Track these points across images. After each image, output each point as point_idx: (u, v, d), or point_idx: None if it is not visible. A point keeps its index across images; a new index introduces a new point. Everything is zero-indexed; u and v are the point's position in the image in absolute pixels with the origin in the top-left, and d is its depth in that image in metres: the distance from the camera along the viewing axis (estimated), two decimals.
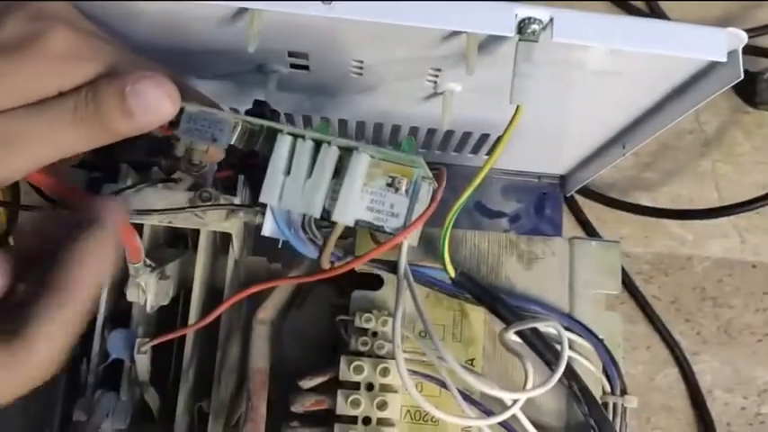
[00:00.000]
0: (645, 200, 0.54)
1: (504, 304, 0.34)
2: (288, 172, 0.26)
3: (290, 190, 0.25)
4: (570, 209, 0.53)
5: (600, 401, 0.35)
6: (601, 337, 0.36)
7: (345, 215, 0.25)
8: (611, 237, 0.53)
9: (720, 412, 0.51)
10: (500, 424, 0.34)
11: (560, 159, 0.49)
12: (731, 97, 0.56)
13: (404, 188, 0.25)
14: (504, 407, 0.33)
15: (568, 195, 0.52)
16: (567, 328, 0.36)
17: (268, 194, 0.26)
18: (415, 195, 0.25)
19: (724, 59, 0.29)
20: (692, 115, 0.56)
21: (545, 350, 0.34)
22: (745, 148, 0.56)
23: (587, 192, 0.53)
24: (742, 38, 0.29)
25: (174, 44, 0.32)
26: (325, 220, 0.26)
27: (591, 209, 0.53)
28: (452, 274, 0.33)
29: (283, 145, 0.26)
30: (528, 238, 0.37)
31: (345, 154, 0.25)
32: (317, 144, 0.26)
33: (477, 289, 0.34)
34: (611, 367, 0.35)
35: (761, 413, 0.51)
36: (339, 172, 0.25)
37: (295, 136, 0.26)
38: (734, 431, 0.51)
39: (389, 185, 0.25)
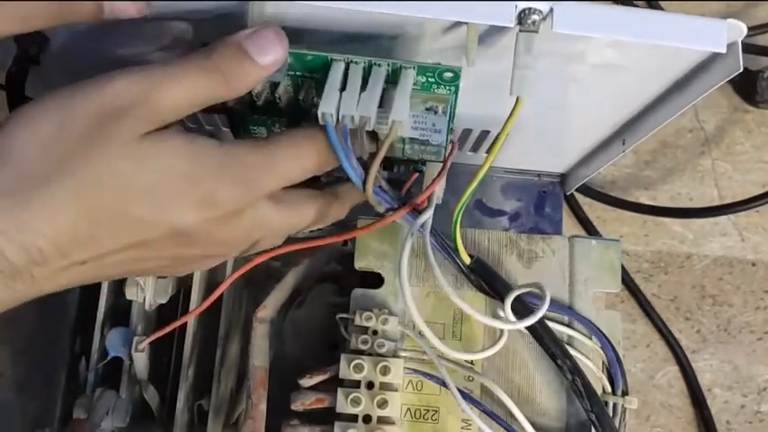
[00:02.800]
0: (645, 198, 0.54)
1: (520, 300, 0.34)
2: (343, 88, 0.28)
3: (347, 101, 0.27)
4: (570, 207, 0.53)
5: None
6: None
7: (400, 113, 0.28)
8: (611, 235, 0.53)
9: (720, 410, 0.51)
10: (500, 424, 0.34)
11: (560, 157, 0.49)
12: (731, 96, 0.56)
13: (440, 110, 0.29)
14: (503, 409, 0.33)
15: (568, 194, 0.52)
16: (568, 325, 0.36)
17: (327, 105, 0.27)
18: (452, 115, 0.29)
19: (724, 50, 0.29)
20: (692, 113, 0.56)
21: (552, 344, 0.34)
22: (745, 147, 0.56)
23: (587, 190, 0.53)
24: (742, 29, 0.29)
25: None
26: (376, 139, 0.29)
27: (591, 207, 0.53)
28: (467, 261, 0.33)
29: (337, 69, 0.28)
30: (528, 237, 0.37)
31: (392, 75, 0.28)
32: (368, 66, 0.28)
33: (492, 277, 0.34)
34: (615, 367, 0.35)
35: (760, 411, 0.51)
36: (383, 103, 0.28)
37: (347, 62, 0.28)
38: (734, 429, 0.51)
39: (428, 110, 0.29)
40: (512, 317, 0.33)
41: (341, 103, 0.27)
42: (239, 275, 0.34)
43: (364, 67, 0.28)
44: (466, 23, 0.28)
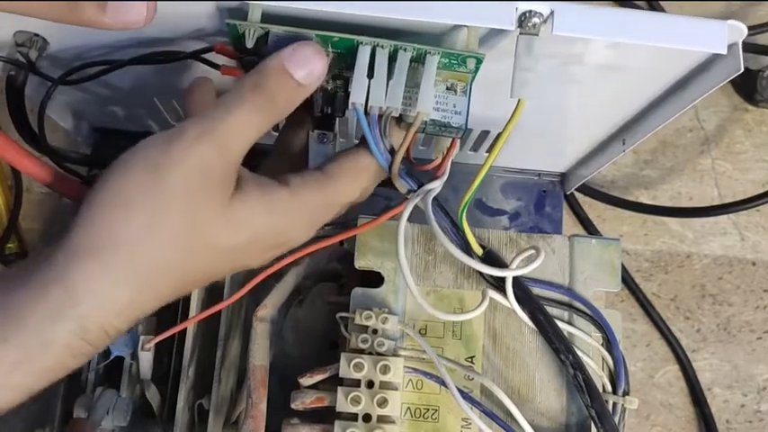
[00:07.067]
0: (645, 197, 0.54)
1: (523, 288, 0.34)
2: (371, 75, 0.28)
3: (376, 92, 0.28)
4: (570, 206, 0.53)
5: None
6: (600, 335, 0.36)
7: (426, 105, 0.28)
8: (611, 234, 0.53)
9: (720, 409, 0.51)
10: (499, 424, 0.34)
11: (561, 156, 0.49)
12: (731, 95, 0.56)
13: (460, 90, 0.29)
14: (503, 409, 0.33)
15: (568, 193, 0.52)
16: (569, 322, 0.36)
17: (357, 95, 0.28)
18: (470, 95, 0.29)
19: (724, 52, 0.29)
20: (692, 113, 0.56)
21: (556, 339, 0.34)
22: (745, 146, 0.56)
23: (587, 189, 0.53)
24: (742, 30, 0.29)
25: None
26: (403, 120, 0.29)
27: (591, 206, 0.53)
28: (480, 252, 0.33)
29: (364, 53, 0.28)
30: (528, 236, 0.37)
31: (416, 58, 0.29)
32: (393, 51, 0.28)
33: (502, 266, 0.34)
34: (620, 366, 0.35)
35: (760, 410, 0.51)
36: (406, 82, 0.28)
37: (374, 46, 0.28)
38: (733, 428, 0.51)
39: (449, 89, 0.29)
40: (518, 271, 0.33)
41: (370, 93, 0.28)
42: (248, 290, 0.34)
43: (390, 52, 0.28)
44: (467, 27, 0.28)
